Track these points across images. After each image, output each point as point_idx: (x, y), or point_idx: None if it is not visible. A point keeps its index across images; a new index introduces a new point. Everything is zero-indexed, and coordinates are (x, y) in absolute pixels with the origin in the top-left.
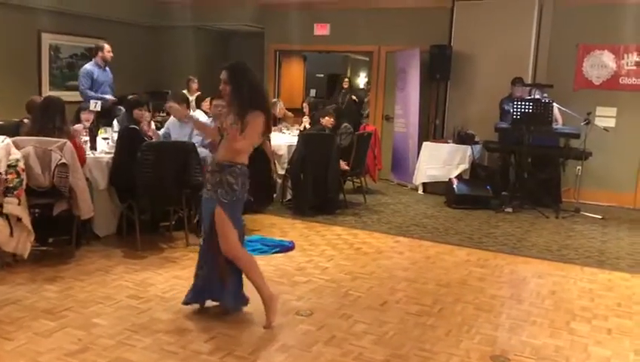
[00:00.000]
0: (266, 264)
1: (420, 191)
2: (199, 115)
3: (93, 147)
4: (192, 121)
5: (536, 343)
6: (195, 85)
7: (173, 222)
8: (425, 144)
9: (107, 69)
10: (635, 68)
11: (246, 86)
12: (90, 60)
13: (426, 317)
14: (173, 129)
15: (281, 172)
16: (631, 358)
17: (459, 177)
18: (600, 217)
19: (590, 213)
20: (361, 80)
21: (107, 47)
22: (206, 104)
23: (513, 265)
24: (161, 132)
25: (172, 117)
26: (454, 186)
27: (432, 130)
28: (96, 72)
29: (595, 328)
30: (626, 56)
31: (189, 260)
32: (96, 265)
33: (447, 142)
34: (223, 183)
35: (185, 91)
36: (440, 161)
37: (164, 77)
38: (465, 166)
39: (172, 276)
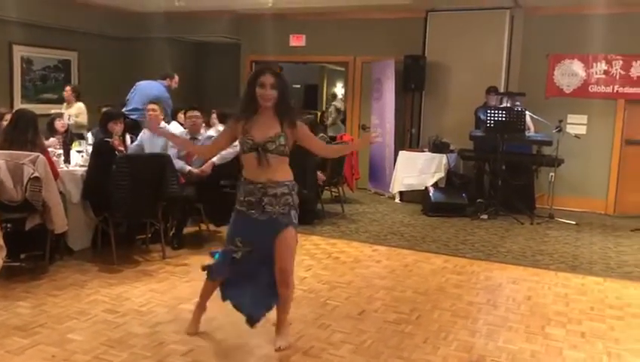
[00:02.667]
0: None
1: (397, 200)
2: (174, 127)
3: (67, 160)
4: (164, 134)
5: (512, 348)
6: None
7: (150, 235)
8: (401, 153)
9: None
10: (603, 76)
11: (289, 94)
12: None
13: (404, 325)
14: (147, 141)
15: None
16: (604, 361)
17: (435, 185)
18: (574, 223)
19: (564, 219)
20: (338, 90)
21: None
22: (181, 115)
23: (489, 272)
24: (133, 145)
25: (145, 129)
26: (430, 194)
27: (407, 139)
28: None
29: (569, 332)
30: (594, 64)
31: (166, 273)
32: (70, 279)
33: (423, 151)
34: (294, 205)
35: None
36: (416, 170)
37: None
38: (441, 174)
39: (148, 289)
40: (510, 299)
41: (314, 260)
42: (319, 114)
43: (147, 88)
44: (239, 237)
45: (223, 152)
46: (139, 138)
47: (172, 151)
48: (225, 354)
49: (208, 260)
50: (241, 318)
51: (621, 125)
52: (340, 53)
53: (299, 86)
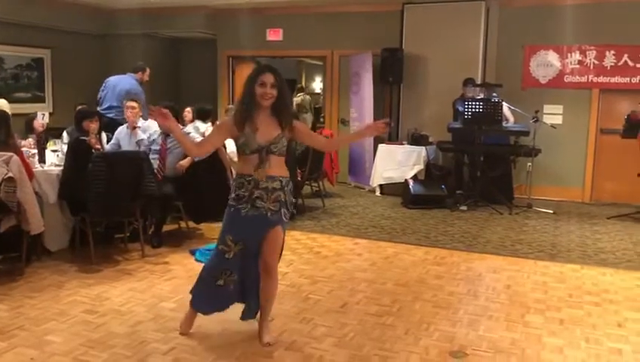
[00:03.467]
0: None
1: (378, 193)
2: (152, 124)
3: (42, 160)
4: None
5: (493, 337)
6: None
7: (129, 234)
8: (380, 146)
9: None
10: (578, 66)
11: (287, 93)
12: None
13: (386, 317)
14: (123, 139)
15: None
16: (583, 346)
17: (414, 178)
18: (551, 212)
19: (542, 209)
20: (317, 84)
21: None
22: None
23: (469, 262)
24: (110, 143)
25: (121, 127)
26: (410, 187)
27: (387, 132)
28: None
29: (548, 319)
30: (569, 55)
31: (146, 271)
32: (48, 281)
33: (402, 144)
34: (286, 202)
35: None
36: (396, 163)
37: None
38: (420, 167)
39: (128, 288)
40: (490, 288)
41: (295, 255)
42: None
43: (119, 83)
44: (230, 235)
45: None
46: (115, 136)
47: (147, 148)
48: (207, 351)
49: (188, 258)
50: (221, 314)
51: (596, 114)
52: (318, 47)
53: None
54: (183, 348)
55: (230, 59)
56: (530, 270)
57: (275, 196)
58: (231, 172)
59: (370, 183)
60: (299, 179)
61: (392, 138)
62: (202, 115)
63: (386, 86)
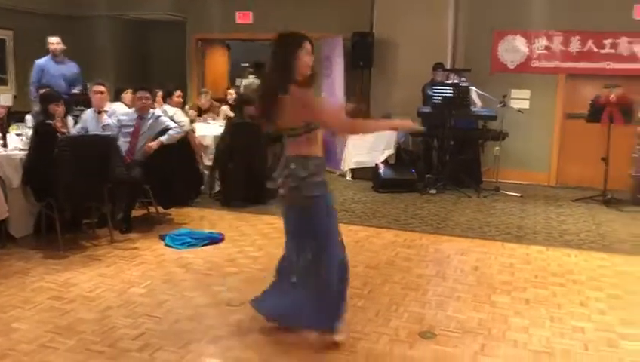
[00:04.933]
0: (195, 257)
1: (349, 178)
2: (119, 108)
3: (4, 144)
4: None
5: (460, 317)
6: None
7: (97, 219)
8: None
9: (66, 61)
10: (545, 52)
11: None
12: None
13: (356, 299)
14: (90, 123)
15: (208, 163)
16: (547, 325)
17: (385, 162)
18: (518, 195)
19: (509, 192)
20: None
21: (51, 39)
22: (127, 96)
23: (438, 244)
24: (77, 127)
25: (88, 110)
26: (380, 171)
27: (358, 116)
28: (47, 65)
29: (514, 299)
30: (536, 40)
31: (114, 257)
32: (13, 268)
33: None
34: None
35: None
36: (366, 147)
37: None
38: (390, 151)
39: (97, 274)
40: (458, 270)
41: (267, 239)
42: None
43: (62, 68)
44: (333, 228)
45: (172, 132)
46: (82, 119)
47: (115, 131)
48: (177, 336)
49: (158, 243)
50: (192, 299)
51: (562, 99)
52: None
53: (247, 64)
54: (152, 333)
55: (199, 42)
56: (497, 252)
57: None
58: (200, 156)
59: (341, 168)
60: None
61: None
62: (166, 97)
63: (356, 70)
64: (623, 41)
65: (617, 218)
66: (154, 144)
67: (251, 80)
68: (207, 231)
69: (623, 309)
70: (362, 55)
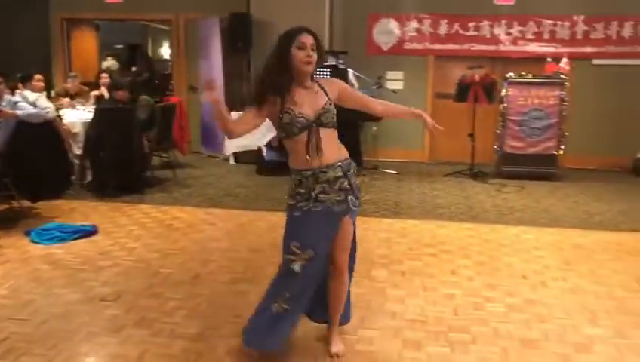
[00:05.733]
0: (65, 252)
1: (232, 162)
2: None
3: None
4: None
5: None
6: None
7: None
8: (233, 114)
9: None
10: (415, 34)
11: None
12: None
13: (239, 284)
14: None
15: (78, 152)
16: (421, 294)
17: (268, 145)
18: (395, 172)
19: (387, 170)
20: (165, 50)
21: None
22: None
23: None
24: None
25: None
26: (264, 154)
27: (238, 99)
28: None
29: (391, 272)
30: (408, 23)
31: None
32: None
33: None
34: (353, 187)
35: None
36: None
37: None
38: (273, 133)
39: None
40: None
41: (144, 229)
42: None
43: None
44: (296, 241)
45: (32, 111)
46: None
47: None
48: (46, 337)
49: (22, 239)
50: (61, 296)
51: (432, 80)
52: (161, 10)
53: (120, 46)
54: (17, 337)
55: (64, 22)
56: (376, 227)
57: (339, 185)
58: (69, 145)
59: (224, 152)
60: (147, 149)
61: (245, 104)
62: (24, 81)
63: (236, 52)
64: (485, 25)
65: (483, 190)
66: (8, 113)
67: (110, 62)
68: (78, 223)
69: (488, 274)
70: (241, 36)
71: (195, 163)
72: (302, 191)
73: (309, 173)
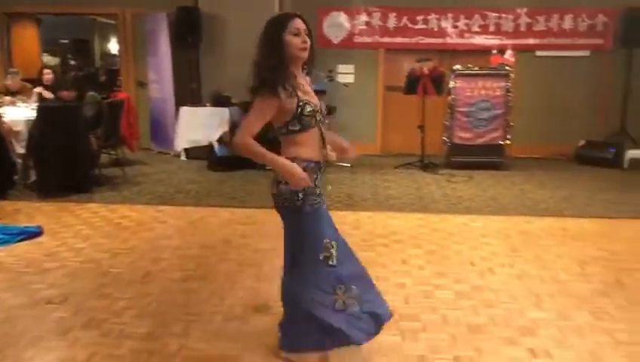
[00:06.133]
0: (8, 255)
1: (183, 158)
2: None
3: None
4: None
5: None
6: None
7: None
8: (182, 109)
9: None
10: (365, 27)
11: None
12: None
13: (191, 282)
14: None
15: (21, 151)
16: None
17: (219, 140)
18: (349, 165)
19: (340, 163)
20: (113, 45)
21: None
22: None
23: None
24: None
25: None
26: (215, 149)
27: (189, 94)
28: None
29: None
30: (357, 16)
31: None
32: None
33: (205, 106)
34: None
35: None
36: (199, 126)
37: None
38: (224, 128)
39: None
40: None
41: (93, 229)
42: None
43: None
44: (327, 237)
45: None
46: None
47: None
48: None
49: None
50: (4, 301)
51: (382, 73)
52: (107, 4)
53: (67, 41)
54: None
55: (4, 16)
56: None
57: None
58: (11, 143)
59: (175, 148)
60: (94, 147)
61: (195, 100)
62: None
63: (184, 46)
64: (433, 18)
65: (433, 181)
66: None
67: (47, 57)
68: (22, 225)
69: (437, 263)
70: (189, 31)
71: (145, 160)
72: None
73: (316, 164)
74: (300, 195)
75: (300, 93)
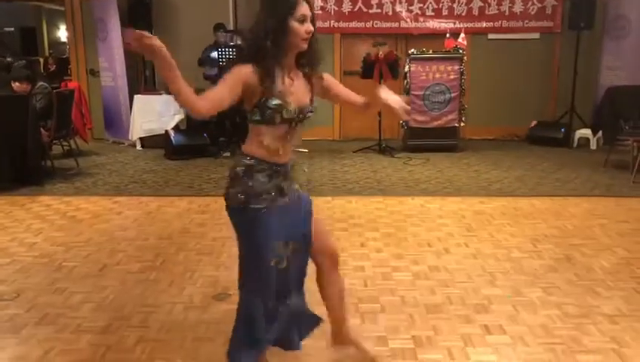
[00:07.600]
0: None
1: (139, 147)
2: None
3: None
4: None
5: None
6: None
7: None
8: (136, 97)
9: None
10: (321, 12)
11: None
12: None
13: (148, 273)
14: None
15: None
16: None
17: (176, 128)
18: (307, 151)
19: (298, 149)
20: (62, 33)
21: None
22: None
23: None
24: None
25: None
26: (172, 138)
27: (142, 81)
28: None
29: None
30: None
31: None
32: None
33: (160, 94)
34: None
35: None
36: (155, 114)
37: None
38: (181, 116)
39: None
40: None
41: (45, 222)
42: (42, 61)
43: None
44: (277, 240)
45: None
46: None
47: None
48: None
49: None
50: None
51: (339, 58)
52: None
53: (12, 29)
54: None
55: None
56: None
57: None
58: None
59: (130, 137)
60: (45, 138)
61: (149, 87)
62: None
63: None
64: (387, 2)
65: (390, 164)
66: None
67: None
68: None
69: (395, 245)
70: (140, 16)
71: (100, 150)
72: (264, 184)
73: (279, 167)
74: (242, 197)
75: (276, 83)
